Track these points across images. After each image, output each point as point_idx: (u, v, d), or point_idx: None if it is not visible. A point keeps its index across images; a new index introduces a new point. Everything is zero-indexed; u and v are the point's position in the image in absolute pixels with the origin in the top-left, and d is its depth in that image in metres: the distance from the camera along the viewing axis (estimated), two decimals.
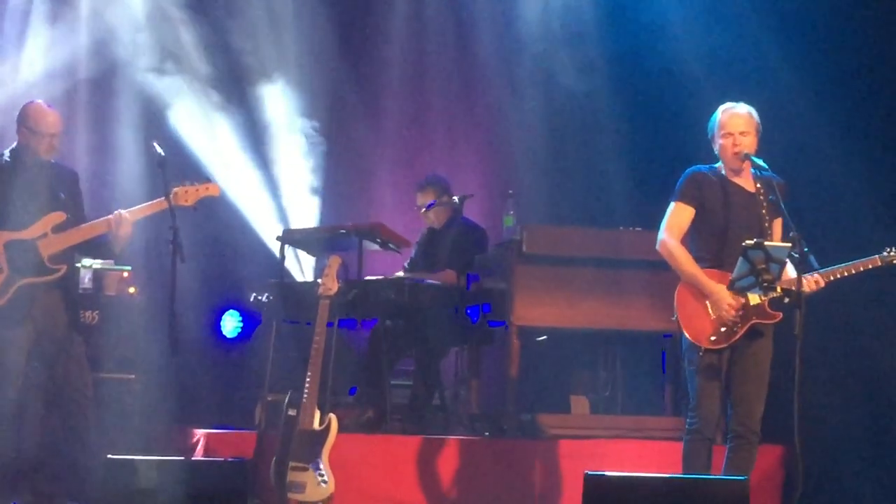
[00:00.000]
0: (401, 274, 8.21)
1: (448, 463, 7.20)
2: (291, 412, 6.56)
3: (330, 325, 6.76)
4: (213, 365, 9.13)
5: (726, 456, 6.00)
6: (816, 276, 5.85)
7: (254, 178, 9.41)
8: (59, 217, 6.38)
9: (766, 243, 5.73)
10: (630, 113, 9.35)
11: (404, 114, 10.07)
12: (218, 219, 8.73)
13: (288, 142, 9.47)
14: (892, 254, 5.95)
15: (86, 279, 7.69)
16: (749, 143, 6.02)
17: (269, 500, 6.66)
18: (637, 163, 9.19)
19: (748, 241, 5.71)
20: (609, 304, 7.74)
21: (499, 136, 10.04)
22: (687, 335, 5.94)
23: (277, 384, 7.43)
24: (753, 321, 5.88)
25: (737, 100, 6.14)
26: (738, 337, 5.88)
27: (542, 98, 9.67)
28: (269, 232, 9.08)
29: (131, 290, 7.78)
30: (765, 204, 5.98)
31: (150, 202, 6.44)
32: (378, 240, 7.91)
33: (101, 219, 6.42)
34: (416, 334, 7.94)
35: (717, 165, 6.13)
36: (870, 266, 5.95)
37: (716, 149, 6.10)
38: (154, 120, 8.93)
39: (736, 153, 6.00)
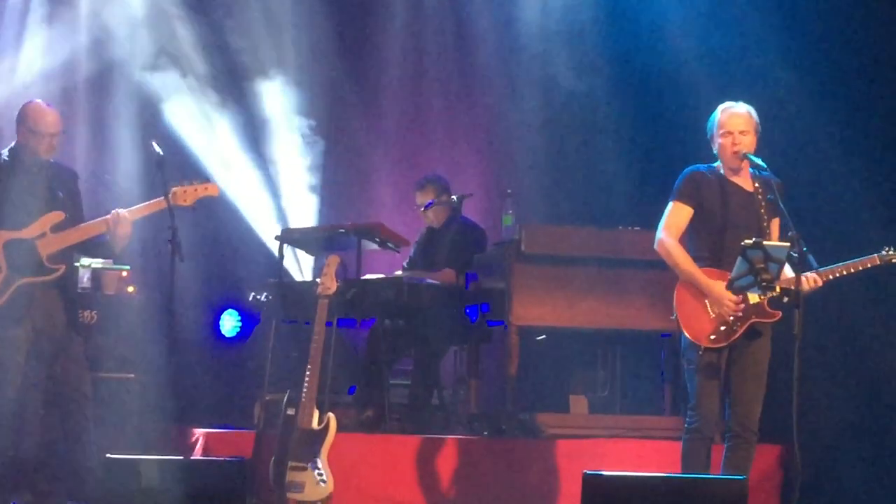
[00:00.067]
0: (400, 273, 8.21)
1: (447, 462, 7.20)
2: (290, 411, 6.56)
3: (329, 324, 6.75)
4: (212, 364, 9.12)
5: (724, 455, 6.00)
6: (815, 275, 5.85)
7: (253, 177, 9.40)
8: (57, 217, 6.37)
9: (765, 243, 5.74)
10: (629, 112, 9.35)
11: (403, 113, 10.07)
12: (217, 218, 8.73)
13: (287, 141, 9.47)
14: (890, 253, 5.96)
15: (84, 278, 7.68)
16: (748, 143, 6.02)
17: (267, 500, 6.66)
18: (636, 162, 9.19)
19: (747, 241, 5.71)
20: (608, 304, 7.74)
21: (498, 136, 10.04)
22: (686, 334, 5.94)
23: (276, 383, 7.43)
24: (753, 320, 5.88)
25: (736, 99, 6.14)
26: (737, 336, 5.89)
27: (542, 97, 9.67)
28: (267, 231, 9.08)
29: (130, 289, 7.78)
30: (763, 203, 5.98)
31: (149, 202, 6.43)
32: (377, 239, 7.91)
33: (100, 218, 6.41)
34: (415, 334, 7.94)
35: (715, 165, 6.13)
36: (868, 265, 5.95)
37: (715, 148, 6.10)
38: (152, 119, 8.93)
39: (735, 152, 6.00)
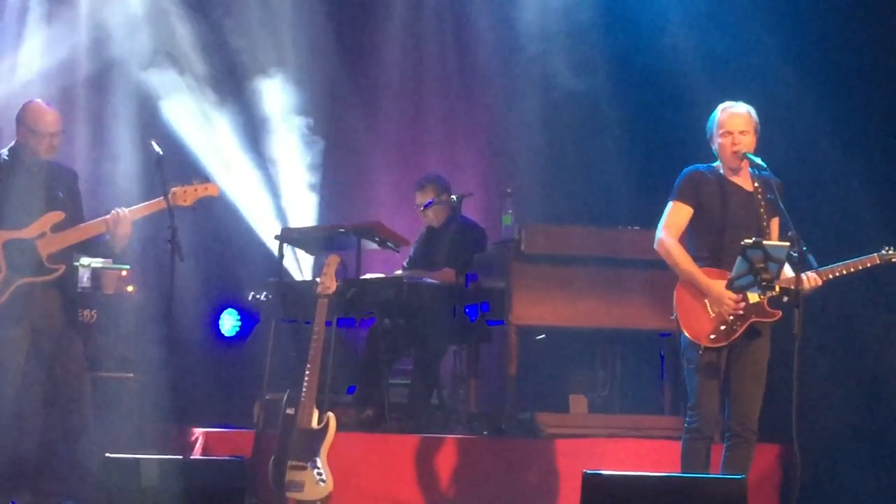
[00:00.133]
0: (400, 273, 8.21)
1: (446, 462, 7.20)
2: (290, 411, 6.56)
3: (328, 323, 6.76)
4: (212, 364, 9.12)
5: (724, 455, 6.00)
6: (814, 274, 5.85)
7: (252, 176, 9.40)
8: (57, 216, 6.37)
9: (765, 242, 5.74)
10: (629, 112, 9.35)
11: (403, 112, 10.07)
12: (216, 218, 8.72)
13: (287, 140, 9.46)
14: (890, 252, 5.96)
15: (84, 278, 7.68)
16: (748, 143, 6.02)
17: (267, 499, 6.66)
18: (636, 162, 9.19)
19: (747, 241, 5.71)
20: (608, 304, 7.74)
21: (497, 135, 10.04)
22: (686, 334, 5.94)
23: (276, 383, 7.43)
24: (752, 319, 5.89)
25: (736, 99, 6.15)
26: (737, 335, 5.89)
27: (541, 97, 9.66)
28: (267, 231, 9.07)
29: (129, 288, 7.77)
30: (763, 203, 5.98)
31: (148, 202, 6.42)
32: (376, 239, 7.91)
33: (100, 218, 6.41)
34: (415, 333, 7.94)
35: (715, 164, 6.13)
36: (868, 265, 5.95)
37: (714, 148, 6.10)
38: (152, 118, 8.92)
39: (734, 152, 6.00)
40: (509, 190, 8.40)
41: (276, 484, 6.49)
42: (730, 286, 5.83)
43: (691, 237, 6.07)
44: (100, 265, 7.70)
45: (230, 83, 9.33)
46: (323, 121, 9.60)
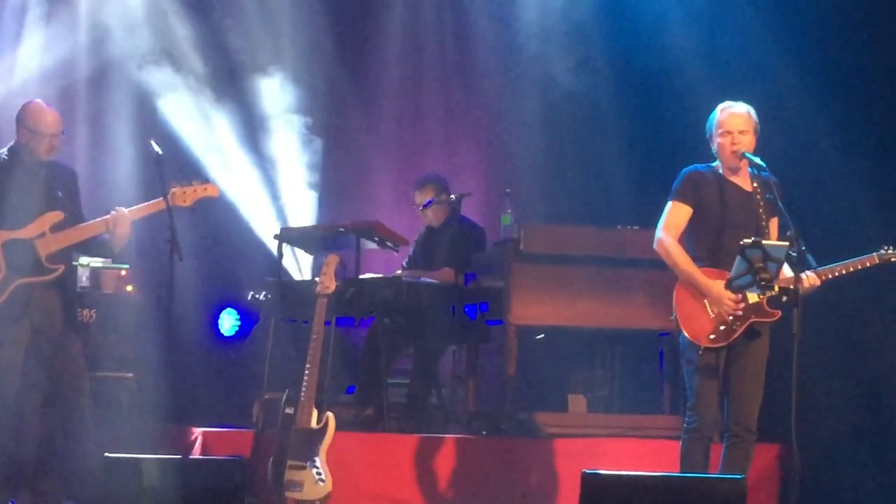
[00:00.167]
0: (399, 273, 8.21)
1: (445, 461, 7.20)
2: (289, 410, 6.56)
3: (327, 323, 6.76)
4: (211, 363, 9.13)
5: (723, 454, 6.00)
6: (813, 274, 5.85)
7: (252, 176, 9.40)
8: (56, 216, 6.36)
9: (764, 242, 5.74)
10: (628, 111, 9.35)
11: (402, 112, 10.08)
12: (216, 217, 8.72)
13: (286, 140, 9.46)
14: (889, 252, 5.96)
15: (83, 277, 7.68)
16: (747, 142, 6.02)
17: (266, 499, 6.66)
18: (635, 161, 9.19)
19: (746, 240, 5.72)
20: (607, 303, 7.74)
21: (497, 135, 10.04)
22: (685, 334, 5.94)
23: (275, 383, 7.43)
24: (752, 320, 5.89)
25: (736, 98, 6.15)
26: (736, 336, 5.89)
27: (541, 97, 9.67)
28: (266, 230, 9.08)
29: (129, 288, 7.77)
30: (761, 203, 5.98)
31: (148, 202, 6.42)
32: (376, 238, 7.91)
33: (100, 218, 6.40)
34: (414, 333, 7.94)
35: (714, 164, 6.13)
36: (867, 264, 5.95)
37: (713, 147, 6.10)
38: (151, 118, 8.92)
39: (734, 152, 6.00)
40: (508, 189, 8.40)
41: (276, 483, 6.49)
42: (729, 286, 5.83)
43: (690, 237, 6.07)
44: (99, 265, 7.70)
45: (229, 83, 9.33)
46: (322, 120, 9.60)
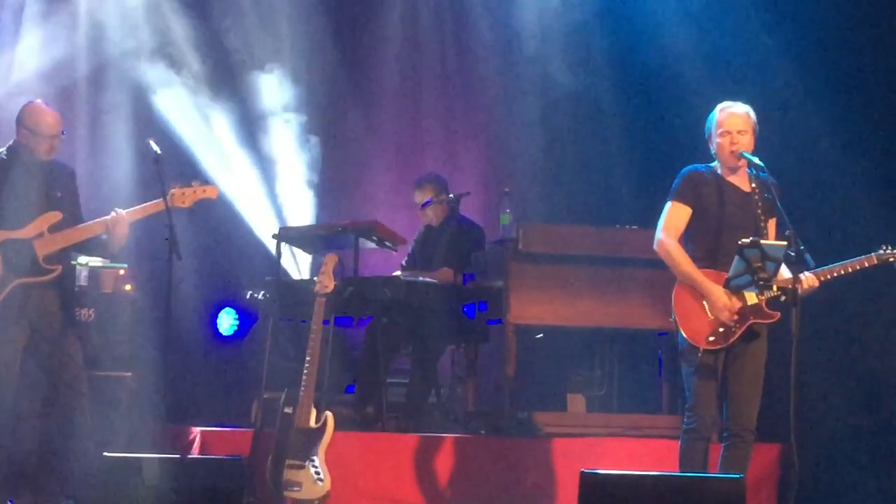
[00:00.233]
0: (398, 272, 8.22)
1: (444, 461, 7.20)
2: (288, 410, 6.56)
3: (326, 322, 6.75)
4: (210, 363, 9.12)
5: (722, 454, 6.00)
6: (811, 275, 5.85)
7: (251, 175, 9.40)
8: (55, 217, 6.36)
9: (763, 242, 5.74)
10: (628, 111, 9.36)
11: (401, 111, 10.08)
12: (214, 216, 8.72)
13: (284, 139, 9.46)
14: (887, 252, 5.96)
15: (82, 277, 7.67)
16: (746, 142, 6.02)
17: (265, 498, 6.65)
18: (634, 161, 9.20)
19: (744, 240, 5.72)
20: (605, 303, 7.74)
21: (496, 135, 10.05)
22: (684, 335, 5.94)
23: (274, 382, 7.42)
24: (751, 321, 5.88)
25: (735, 98, 6.15)
26: (735, 338, 5.88)
27: (539, 96, 9.67)
28: (265, 230, 9.07)
29: (127, 287, 7.77)
30: (760, 203, 5.98)
31: (147, 203, 6.41)
32: (374, 238, 7.90)
33: (99, 219, 6.40)
34: (413, 332, 7.94)
35: (713, 165, 6.13)
36: (865, 265, 5.95)
37: (712, 148, 6.10)
38: (149, 117, 8.91)
39: (732, 151, 6.00)
40: (507, 189, 8.40)
41: (274, 483, 6.49)
42: (727, 285, 5.83)
43: (688, 238, 6.07)
44: (98, 264, 7.70)
45: (228, 81, 9.32)
46: (321, 119, 9.60)
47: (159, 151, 6.20)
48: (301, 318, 7.49)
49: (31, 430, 6.60)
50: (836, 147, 7.92)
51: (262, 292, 7.89)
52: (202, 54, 9.17)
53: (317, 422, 6.51)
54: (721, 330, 5.87)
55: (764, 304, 5.87)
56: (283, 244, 8.06)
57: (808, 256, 5.74)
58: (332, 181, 9.72)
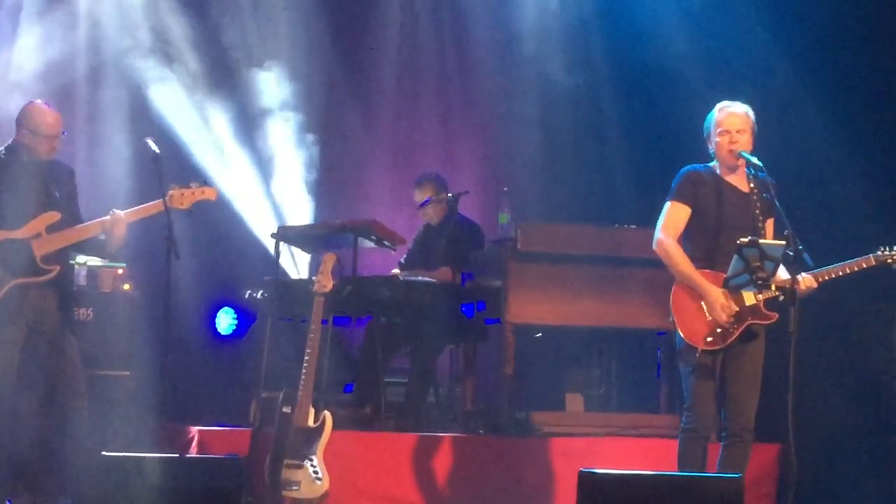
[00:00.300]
0: (397, 270, 8.22)
1: (443, 460, 7.20)
2: (286, 409, 6.56)
3: (325, 322, 6.75)
4: (208, 362, 9.12)
5: (720, 454, 6.00)
6: (809, 276, 5.85)
7: (249, 174, 9.39)
8: (53, 217, 6.35)
9: (761, 241, 5.74)
10: (626, 110, 9.36)
11: (400, 110, 10.07)
12: (213, 216, 8.70)
13: (283, 138, 9.45)
14: (885, 253, 5.96)
15: (80, 276, 7.67)
16: (745, 142, 6.02)
17: (263, 498, 6.65)
18: (632, 160, 9.20)
19: (743, 239, 5.72)
20: (604, 302, 7.74)
21: (494, 133, 10.04)
22: (682, 335, 5.94)
23: (272, 381, 7.42)
24: (749, 322, 5.88)
25: (734, 98, 6.15)
26: (733, 338, 5.88)
27: (538, 95, 9.67)
28: (264, 229, 9.07)
29: (126, 286, 7.76)
30: (758, 204, 5.97)
31: (146, 204, 6.41)
32: (373, 237, 7.91)
33: (97, 220, 6.40)
34: (412, 331, 7.94)
35: (711, 165, 6.13)
36: (864, 266, 5.95)
37: (711, 147, 6.10)
38: (147, 116, 8.90)
39: (731, 151, 6.00)
40: (506, 188, 8.41)
41: (273, 482, 6.49)
42: (726, 285, 5.83)
43: (686, 238, 6.07)
44: (96, 263, 7.69)
45: (226, 80, 9.32)
46: (320, 119, 9.60)
47: (158, 151, 6.19)
48: (300, 318, 7.49)
49: (30, 430, 6.59)
50: (834, 147, 7.92)
51: (261, 292, 7.89)
52: (200, 53, 9.16)
53: (315, 421, 6.52)
54: (719, 330, 5.87)
55: (762, 304, 5.87)
56: (281, 243, 8.06)
57: (806, 256, 5.74)
58: (330, 180, 9.72)
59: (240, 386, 8.57)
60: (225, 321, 9.39)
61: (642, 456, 7.26)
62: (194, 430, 7.20)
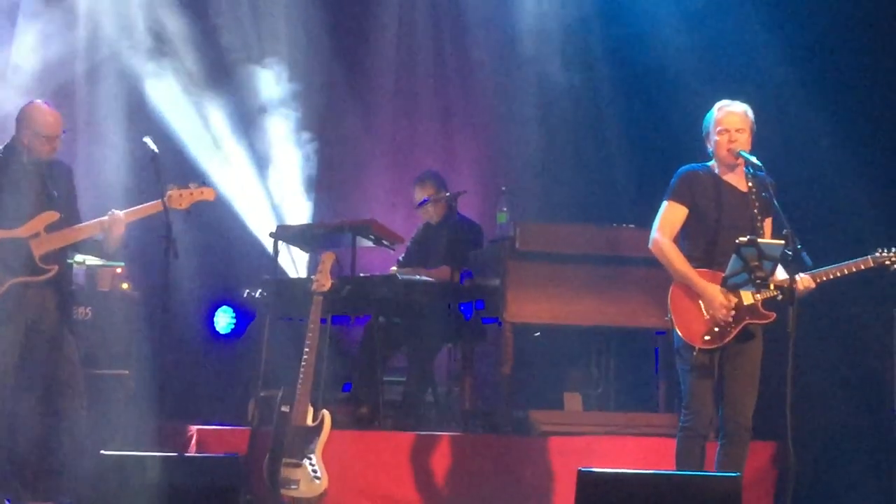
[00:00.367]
0: (394, 269, 8.22)
1: (441, 459, 7.20)
2: (285, 408, 6.57)
3: (323, 321, 6.75)
4: (207, 361, 9.11)
5: (718, 452, 6.01)
6: (808, 276, 5.86)
7: (248, 173, 9.39)
8: (52, 216, 6.35)
9: (759, 240, 5.74)
10: (625, 110, 9.35)
11: (398, 110, 10.07)
12: (211, 215, 8.69)
13: (282, 137, 9.45)
14: (884, 255, 5.97)
15: (79, 275, 7.67)
16: (744, 141, 6.03)
17: (262, 496, 6.66)
18: (631, 160, 9.19)
19: (741, 238, 5.72)
20: (602, 301, 7.74)
21: (493, 133, 10.04)
22: (680, 334, 5.94)
23: (271, 380, 7.43)
24: (747, 321, 5.89)
25: (734, 97, 6.15)
26: (731, 337, 5.89)
27: (537, 94, 9.67)
28: (262, 228, 9.07)
29: (125, 286, 7.76)
30: (757, 203, 5.98)
31: (144, 205, 6.41)
32: (371, 236, 7.91)
33: (95, 220, 6.40)
34: (410, 331, 7.95)
35: (710, 164, 6.13)
36: (861, 267, 5.96)
37: (710, 146, 6.10)
38: (145, 114, 8.89)
39: (730, 150, 6.00)
40: (504, 188, 8.41)
41: (271, 481, 6.50)
42: (724, 284, 5.84)
43: (685, 237, 6.07)
44: (95, 263, 7.69)
45: (224, 80, 9.31)
46: (319, 118, 9.59)
47: (156, 150, 6.19)
48: (298, 317, 7.49)
49: (29, 429, 6.59)
50: (834, 146, 7.92)
51: (260, 291, 7.90)
52: (199, 52, 9.16)
53: (314, 420, 6.52)
54: (716, 329, 5.88)
55: (760, 304, 5.87)
56: (280, 242, 8.07)
57: (805, 255, 5.75)
58: (329, 179, 9.72)
59: (238, 385, 8.56)
60: (223, 320, 9.38)
61: (641, 455, 7.26)
62: (193, 428, 7.21)
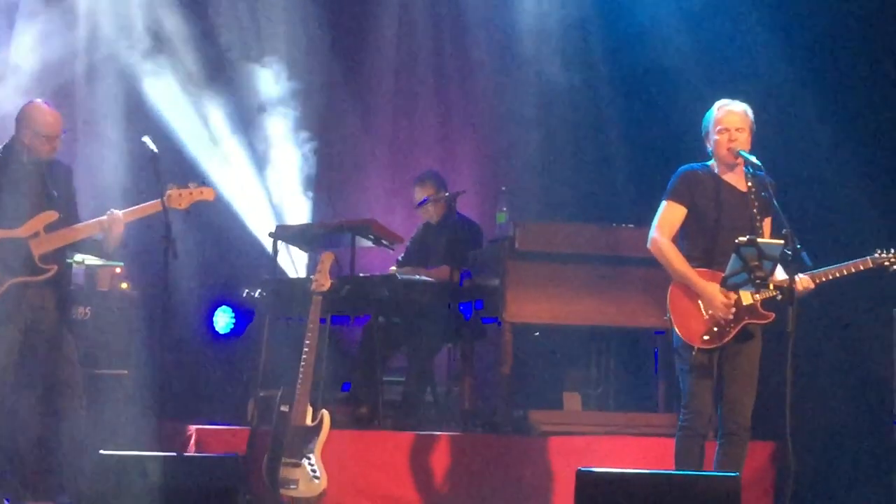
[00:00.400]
0: (394, 268, 8.22)
1: (441, 459, 7.20)
2: (284, 408, 6.57)
3: (323, 321, 6.75)
4: (206, 361, 9.11)
5: (717, 452, 6.01)
6: (807, 277, 5.86)
7: (247, 173, 9.39)
8: (51, 216, 6.35)
9: (759, 240, 5.74)
10: (624, 109, 9.35)
11: (397, 110, 10.07)
12: (211, 215, 8.70)
13: (281, 137, 9.45)
14: (883, 256, 5.97)
15: (78, 275, 7.66)
16: (744, 140, 6.02)
17: (261, 496, 6.66)
18: (630, 160, 9.19)
19: (741, 238, 5.72)
20: (602, 301, 7.74)
21: (492, 132, 10.04)
22: (679, 334, 5.94)
23: (270, 380, 7.43)
24: (746, 321, 5.89)
25: (733, 97, 6.14)
26: (730, 337, 5.88)
27: (536, 94, 9.66)
28: (262, 228, 9.07)
29: (124, 285, 7.76)
30: (756, 203, 5.97)
31: (143, 205, 6.41)
32: (371, 236, 7.91)
33: (94, 220, 6.40)
34: (410, 330, 7.95)
35: (709, 164, 6.13)
36: (861, 268, 5.96)
37: (709, 146, 6.10)
38: (144, 114, 8.89)
39: (730, 149, 6.00)
40: (504, 187, 8.41)
41: (271, 481, 6.50)
42: (724, 284, 5.83)
43: (684, 237, 6.07)
44: (94, 262, 7.69)
45: (223, 79, 9.31)
46: (318, 118, 9.59)
47: (155, 150, 6.18)
48: (298, 317, 7.49)
49: (28, 429, 6.60)
50: (834, 146, 7.92)
51: (259, 290, 7.90)
52: (198, 51, 9.15)
53: (313, 420, 6.52)
54: (715, 329, 5.88)
55: (759, 304, 5.87)
56: (279, 242, 8.07)
57: (804, 255, 5.74)
58: (328, 179, 9.72)
59: (238, 385, 8.56)
60: (223, 320, 9.37)
61: (640, 454, 7.26)
62: (192, 428, 7.21)
